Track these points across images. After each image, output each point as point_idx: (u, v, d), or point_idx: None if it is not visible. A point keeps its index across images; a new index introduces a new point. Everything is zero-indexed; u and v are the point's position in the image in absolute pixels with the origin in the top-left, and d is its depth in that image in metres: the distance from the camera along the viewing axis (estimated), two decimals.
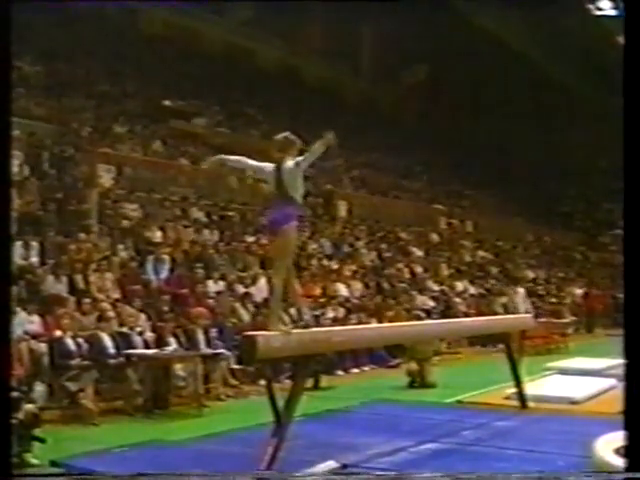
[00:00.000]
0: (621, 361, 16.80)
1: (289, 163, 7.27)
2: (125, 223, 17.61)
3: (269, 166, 7.47)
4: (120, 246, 16.17)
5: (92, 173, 18.95)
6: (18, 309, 11.37)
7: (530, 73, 39.12)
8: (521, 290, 23.29)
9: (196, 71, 30.30)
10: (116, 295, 13.94)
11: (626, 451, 5.38)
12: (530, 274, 30.28)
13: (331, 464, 7.53)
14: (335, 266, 20.66)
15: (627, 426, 5.33)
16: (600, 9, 31.11)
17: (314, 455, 7.72)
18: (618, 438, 6.30)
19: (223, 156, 8.31)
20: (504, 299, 22.99)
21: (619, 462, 6.01)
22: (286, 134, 7.48)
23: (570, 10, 34.20)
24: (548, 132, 41.86)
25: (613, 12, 29.02)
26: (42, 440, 8.17)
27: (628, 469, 5.40)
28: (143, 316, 13.18)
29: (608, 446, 6.28)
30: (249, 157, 7.93)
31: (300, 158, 7.25)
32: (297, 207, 7.32)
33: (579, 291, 30.66)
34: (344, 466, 7.58)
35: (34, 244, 14.25)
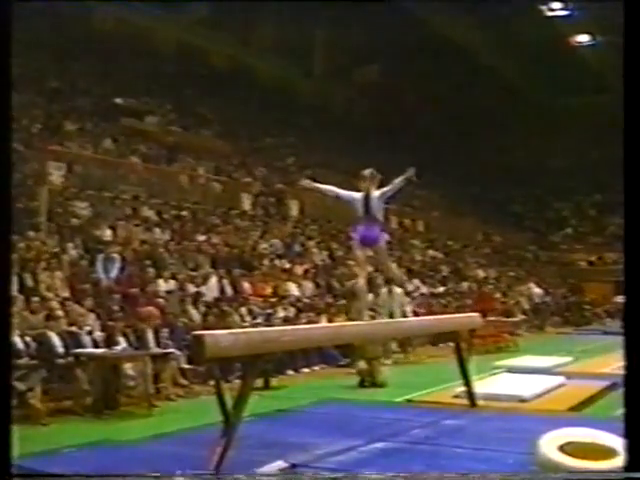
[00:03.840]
0: (569, 359, 17.05)
1: (375, 193, 9.04)
2: (75, 221, 17.52)
3: (358, 194, 9.07)
4: (70, 244, 16.08)
5: (42, 170, 18.81)
6: None
7: (481, 74, 39.36)
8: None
9: (148, 69, 30.18)
10: (65, 294, 13.85)
11: (626, 451, 5.43)
12: (481, 273, 30.53)
13: (280, 464, 7.53)
14: (286, 265, 20.70)
15: (627, 426, 5.38)
16: (552, 10, 31.44)
17: (263, 455, 7.71)
18: (563, 435, 6.36)
19: (317, 185, 9.81)
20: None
21: (563, 459, 6.08)
22: (371, 170, 9.20)
23: (522, 11, 34.56)
24: (499, 132, 42.24)
25: (564, 13, 29.34)
26: None
27: (628, 469, 5.45)
28: (92, 315, 13.10)
29: (552, 443, 6.34)
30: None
31: (385, 189, 9.08)
32: (381, 226, 9.12)
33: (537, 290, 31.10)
34: (293, 466, 7.58)
35: None
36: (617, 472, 5.75)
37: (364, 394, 13.29)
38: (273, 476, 7.26)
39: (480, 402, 11.27)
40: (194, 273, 17.26)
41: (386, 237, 9.38)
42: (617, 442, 6.18)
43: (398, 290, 18.10)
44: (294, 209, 26.54)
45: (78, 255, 15.89)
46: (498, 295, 26.82)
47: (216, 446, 6.92)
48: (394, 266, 9.73)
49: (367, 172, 9.18)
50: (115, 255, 15.62)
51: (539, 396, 12.12)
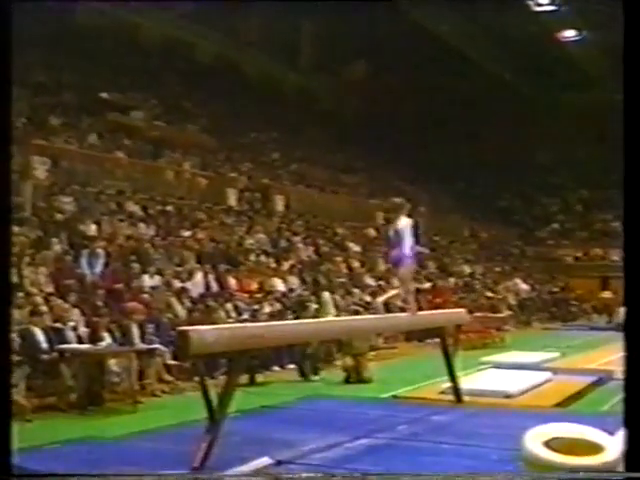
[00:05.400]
0: (556, 354, 17.11)
1: (404, 222, 10.00)
2: (59, 216, 17.39)
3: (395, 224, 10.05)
4: (54, 240, 15.96)
5: (26, 165, 18.67)
6: None
7: (468, 69, 39.32)
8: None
9: (134, 64, 30.02)
10: (49, 289, 13.74)
11: (626, 451, 5.41)
12: (467, 269, 30.54)
13: (265, 460, 7.50)
14: (272, 261, 20.64)
15: (627, 426, 5.36)
16: (539, 5, 31.45)
17: (248, 451, 7.69)
18: (547, 431, 6.34)
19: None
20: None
21: (548, 455, 6.05)
22: (402, 200, 10.56)
23: (509, 6, 34.54)
24: (485, 127, 42.19)
25: (551, 8, 29.31)
26: None
27: (628, 469, 5.42)
28: (77, 311, 13.00)
29: (538, 439, 6.31)
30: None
31: (408, 229, 10.04)
32: (407, 251, 10.08)
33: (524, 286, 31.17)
34: (278, 462, 7.56)
35: None
36: (617, 472, 5.73)
37: (350, 390, 13.30)
38: (253, 476, 7.23)
39: (466, 398, 11.29)
40: (179, 268, 17.17)
41: (411, 263, 10.46)
42: (603, 437, 6.16)
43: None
44: (280, 204, 26.48)
45: (62, 250, 15.77)
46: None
47: (201, 442, 6.89)
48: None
49: (398, 201, 10.45)
50: (100, 250, 15.54)
51: (525, 392, 12.15)
